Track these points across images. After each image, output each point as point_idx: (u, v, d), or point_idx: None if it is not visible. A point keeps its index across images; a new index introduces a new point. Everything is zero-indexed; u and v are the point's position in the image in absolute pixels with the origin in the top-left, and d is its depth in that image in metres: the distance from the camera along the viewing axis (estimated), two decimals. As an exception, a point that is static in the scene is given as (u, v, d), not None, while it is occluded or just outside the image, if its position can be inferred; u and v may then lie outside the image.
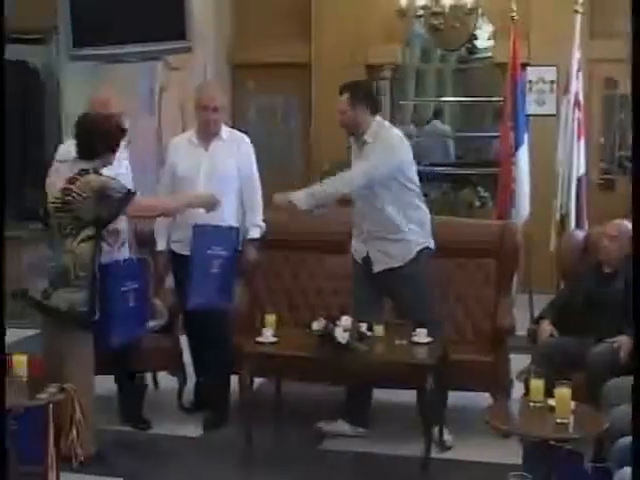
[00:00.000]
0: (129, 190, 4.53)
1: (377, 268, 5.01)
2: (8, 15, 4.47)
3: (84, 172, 4.46)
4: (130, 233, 5.05)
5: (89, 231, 4.47)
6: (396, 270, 4.97)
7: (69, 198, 4.42)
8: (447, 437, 4.98)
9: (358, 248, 5.10)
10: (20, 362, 4.16)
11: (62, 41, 7.21)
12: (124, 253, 4.89)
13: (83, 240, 4.47)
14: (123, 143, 4.79)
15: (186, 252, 5.19)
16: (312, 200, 4.81)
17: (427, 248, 5.04)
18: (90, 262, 4.50)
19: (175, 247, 5.32)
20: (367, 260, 5.04)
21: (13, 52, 8.61)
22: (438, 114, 11.33)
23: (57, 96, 8.20)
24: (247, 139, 5.44)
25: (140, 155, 5.34)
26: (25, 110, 8.59)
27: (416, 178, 5.04)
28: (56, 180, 4.52)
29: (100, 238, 4.55)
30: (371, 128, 4.95)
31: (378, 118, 5.03)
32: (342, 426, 5.12)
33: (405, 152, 5.00)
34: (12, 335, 5.15)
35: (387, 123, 5.14)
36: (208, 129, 5.24)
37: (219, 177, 5.21)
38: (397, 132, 5.08)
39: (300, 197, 4.79)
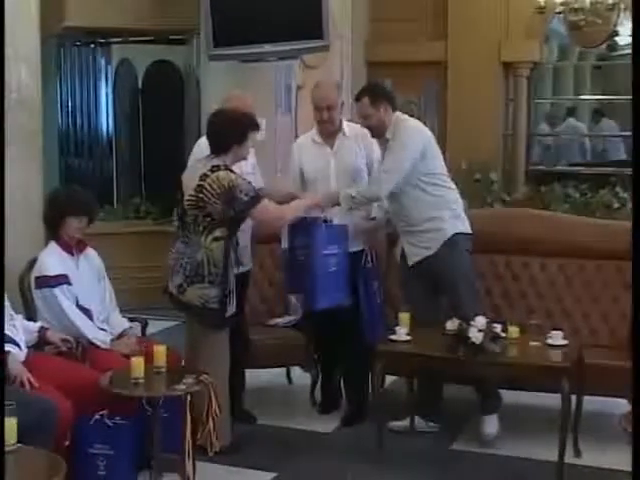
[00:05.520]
0: (257, 193, 4.58)
1: (411, 261, 5.04)
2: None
3: (215, 168, 4.54)
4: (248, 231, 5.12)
5: (220, 231, 4.57)
6: (429, 259, 4.97)
7: (201, 195, 4.52)
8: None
9: (399, 245, 5.15)
10: (160, 352, 4.27)
11: (203, 41, 7.39)
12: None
13: (216, 239, 4.57)
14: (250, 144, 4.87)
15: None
16: (350, 203, 4.95)
17: (460, 233, 5.00)
18: (223, 259, 4.60)
19: None
20: (403, 255, 5.09)
21: (156, 52, 8.94)
22: (572, 111, 11.08)
23: (197, 95, 8.41)
24: (367, 131, 5.43)
25: (278, 153, 5.42)
26: (166, 109, 8.86)
27: (440, 165, 5.03)
28: (191, 177, 4.63)
29: (231, 237, 4.64)
30: (392, 125, 4.97)
31: (397, 113, 5.02)
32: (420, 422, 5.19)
33: (421, 142, 4.95)
34: (153, 326, 5.32)
35: (404, 116, 5.07)
36: (324, 128, 5.24)
37: (349, 175, 5.22)
38: (413, 124, 5.04)
39: (342, 197, 4.94)
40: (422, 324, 4.86)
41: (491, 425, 5.06)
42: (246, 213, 4.57)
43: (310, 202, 4.93)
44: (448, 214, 5.00)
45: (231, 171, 4.58)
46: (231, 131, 4.66)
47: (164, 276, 4.75)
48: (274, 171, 5.79)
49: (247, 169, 4.99)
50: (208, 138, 4.74)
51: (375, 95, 4.98)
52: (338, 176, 5.22)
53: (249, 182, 4.63)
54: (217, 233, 4.56)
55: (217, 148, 4.65)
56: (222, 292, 4.60)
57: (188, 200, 4.57)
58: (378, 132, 5.02)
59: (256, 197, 4.55)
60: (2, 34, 4.46)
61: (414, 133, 4.99)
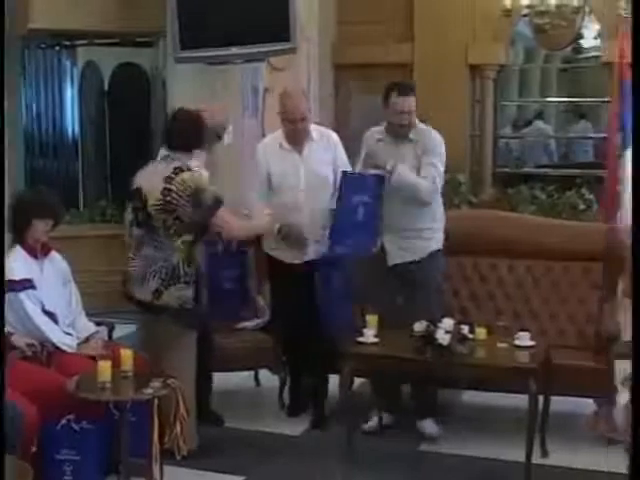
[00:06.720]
0: (217, 198, 4.56)
1: (392, 261, 5.05)
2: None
3: (178, 170, 4.52)
4: None
5: (189, 235, 4.56)
6: (411, 264, 5.01)
7: (169, 199, 4.50)
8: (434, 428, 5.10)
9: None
10: (127, 356, 4.25)
11: (169, 44, 7.36)
12: None
13: (185, 242, 4.56)
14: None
15: (288, 260, 5.23)
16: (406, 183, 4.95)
17: (440, 250, 5.11)
18: (196, 258, 4.58)
19: (275, 253, 5.30)
20: (382, 252, 5.06)
21: (123, 55, 8.89)
22: (539, 114, 11.15)
23: (163, 97, 8.37)
24: (334, 133, 5.42)
25: (245, 155, 5.41)
26: (133, 111, 8.82)
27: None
28: (153, 181, 4.58)
29: (202, 238, 4.62)
30: (414, 127, 5.05)
31: None
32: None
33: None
34: (120, 330, 5.28)
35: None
36: (296, 137, 5.21)
37: (318, 182, 5.21)
38: (435, 131, 5.12)
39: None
40: (391, 323, 4.86)
41: (431, 426, 5.12)
42: (207, 218, 4.55)
43: (265, 227, 4.93)
44: (438, 226, 5.10)
45: (193, 171, 4.57)
46: (196, 132, 4.65)
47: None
48: (240, 174, 5.76)
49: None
50: (169, 136, 4.70)
51: (414, 94, 5.04)
52: (307, 183, 5.20)
53: (210, 186, 4.62)
54: (187, 235, 4.55)
55: (178, 147, 4.62)
56: (196, 291, 4.60)
57: (155, 205, 4.53)
58: (405, 132, 5.04)
59: (216, 203, 4.54)
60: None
61: (442, 141, 5.08)
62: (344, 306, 5.20)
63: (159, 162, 4.66)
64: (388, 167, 4.91)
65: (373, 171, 4.98)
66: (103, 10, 8.07)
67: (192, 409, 4.62)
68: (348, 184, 5.03)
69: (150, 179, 4.61)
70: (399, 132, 5.06)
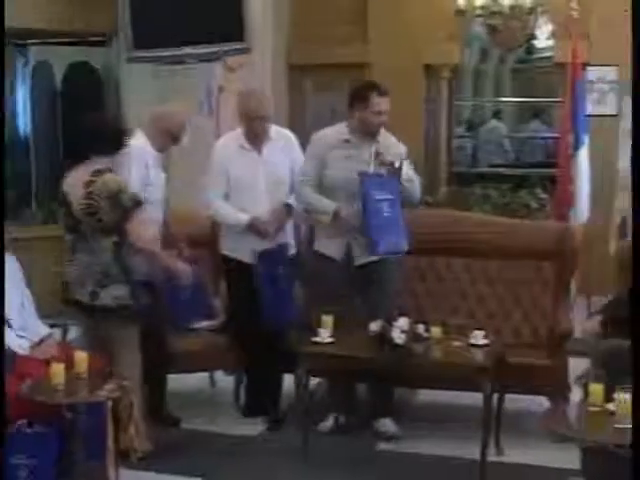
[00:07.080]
0: (136, 200, 4.55)
1: (358, 261, 5.03)
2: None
3: (98, 173, 4.52)
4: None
5: (115, 236, 4.54)
6: (375, 264, 5.00)
7: (91, 202, 4.48)
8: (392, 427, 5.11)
9: (335, 244, 5.07)
10: (81, 359, 4.21)
11: (122, 43, 7.31)
12: None
13: (113, 242, 4.55)
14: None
15: (246, 259, 5.21)
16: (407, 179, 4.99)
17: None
18: (126, 257, 4.57)
19: (232, 254, 5.29)
20: (348, 254, 5.03)
21: (75, 54, 8.80)
22: (496, 114, 11.24)
23: (116, 97, 8.31)
24: (291, 133, 5.43)
25: (198, 155, 5.38)
26: (84, 111, 8.73)
27: None
28: (75, 185, 4.56)
29: (127, 240, 4.59)
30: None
31: None
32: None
33: None
34: (74, 331, 5.23)
35: None
36: (261, 137, 5.21)
37: (277, 181, 5.23)
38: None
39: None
40: (351, 323, 4.86)
41: (388, 425, 5.13)
42: (126, 221, 4.52)
43: (180, 273, 4.85)
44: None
45: (114, 172, 4.57)
46: (110, 135, 4.64)
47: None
48: (196, 174, 5.74)
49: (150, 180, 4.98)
50: (86, 140, 4.68)
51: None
52: (267, 183, 5.20)
53: (130, 189, 4.61)
54: (113, 236, 4.53)
55: (95, 151, 4.60)
56: (133, 287, 4.58)
57: (79, 209, 4.52)
58: (376, 132, 5.02)
59: (135, 205, 4.52)
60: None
61: None
62: (294, 304, 5.23)
63: (81, 167, 4.63)
64: (397, 164, 4.92)
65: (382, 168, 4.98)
66: (55, 9, 7.99)
67: (141, 409, 4.59)
68: (368, 184, 4.94)
69: (73, 184, 4.60)
70: (371, 132, 5.03)
